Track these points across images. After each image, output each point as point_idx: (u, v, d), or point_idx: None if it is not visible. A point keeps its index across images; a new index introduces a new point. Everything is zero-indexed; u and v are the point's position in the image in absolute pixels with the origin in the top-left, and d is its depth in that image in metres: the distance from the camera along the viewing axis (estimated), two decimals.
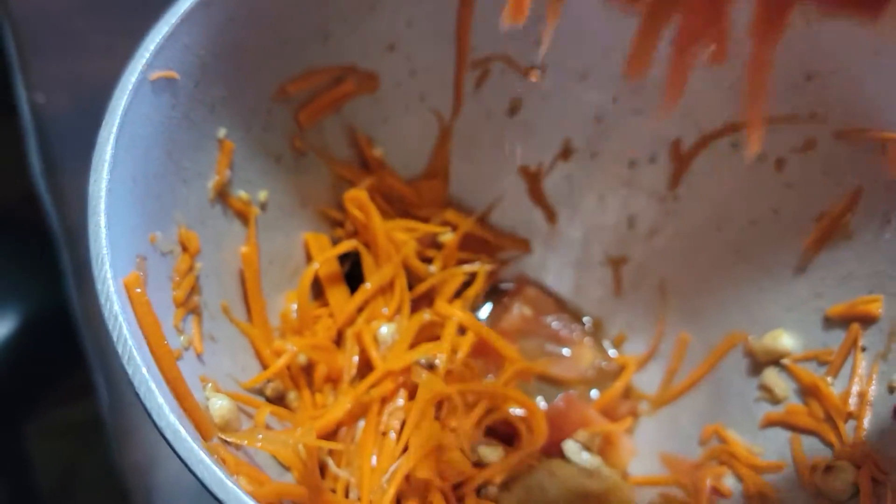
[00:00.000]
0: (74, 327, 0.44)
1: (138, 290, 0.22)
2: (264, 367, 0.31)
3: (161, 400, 0.19)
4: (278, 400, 0.31)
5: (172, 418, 0.19)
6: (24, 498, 0.48)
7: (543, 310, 0.41)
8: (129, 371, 0.19)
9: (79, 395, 0.46)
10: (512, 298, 0.41)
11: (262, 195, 0.33)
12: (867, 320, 0.30)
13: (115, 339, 0.20)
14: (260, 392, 0.30)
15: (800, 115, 0.33)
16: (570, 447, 0.35)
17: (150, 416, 0.19)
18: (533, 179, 0.40)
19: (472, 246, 0.40)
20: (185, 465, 0.19)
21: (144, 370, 0.19)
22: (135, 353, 0.19)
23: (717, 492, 0.32)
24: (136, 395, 0.19)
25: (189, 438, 0.19)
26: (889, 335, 0.29)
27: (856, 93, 0.31)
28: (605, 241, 0.41)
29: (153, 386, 0.19)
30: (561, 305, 0.42)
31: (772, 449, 0.32)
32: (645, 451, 0.37)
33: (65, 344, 0.45)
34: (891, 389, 0.28)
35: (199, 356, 0.27)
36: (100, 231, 0.21)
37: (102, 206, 0.21)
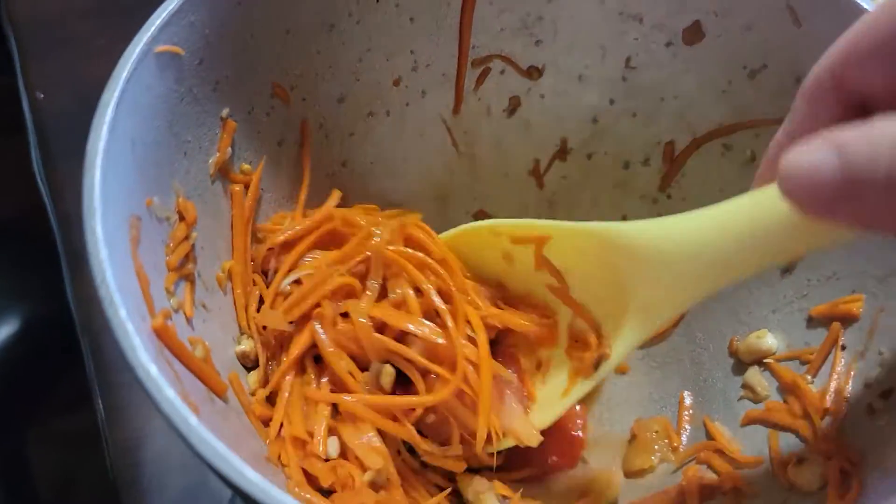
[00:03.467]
0: (73, 331, 0.45)
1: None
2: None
3: (137, 341, 0.20)
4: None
5: (146, 358, 0.20)
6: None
7: None
8: (108, 314, 0.20)
9: (79, 402, 0.47)
10: None
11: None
12: (848, 319, 0.31)
13: (97, 284, 0.21)
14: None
15: None
16: None
17: (123, 351, 0.20)
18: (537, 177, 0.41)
19: None
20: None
21: (123, 312, 0.20)
22: (114, 295, 0.20)
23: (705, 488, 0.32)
24: (117, 340, 0.20)
25: (163, 382, 0.20)
26: (868, 333, 0.30)
27: None
28: None
29: (130, 328, 0.20)
30: None
31: (750, 445, 0.32)
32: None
33: (64, 347, 0.46)
34: (867, 386, 0.29)
35: (189, 320, 0.28)
36: (94, 185, 0.22)
37: (98, 161, 0.23)
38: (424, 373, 0.31)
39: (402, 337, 0.31)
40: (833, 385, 0.30)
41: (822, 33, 0.31)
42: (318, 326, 0.30)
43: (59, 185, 0.50)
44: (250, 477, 0.18)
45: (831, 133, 0.19)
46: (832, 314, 0.31)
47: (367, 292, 0.31)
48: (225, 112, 0.31)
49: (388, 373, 0.31)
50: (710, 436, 0.34)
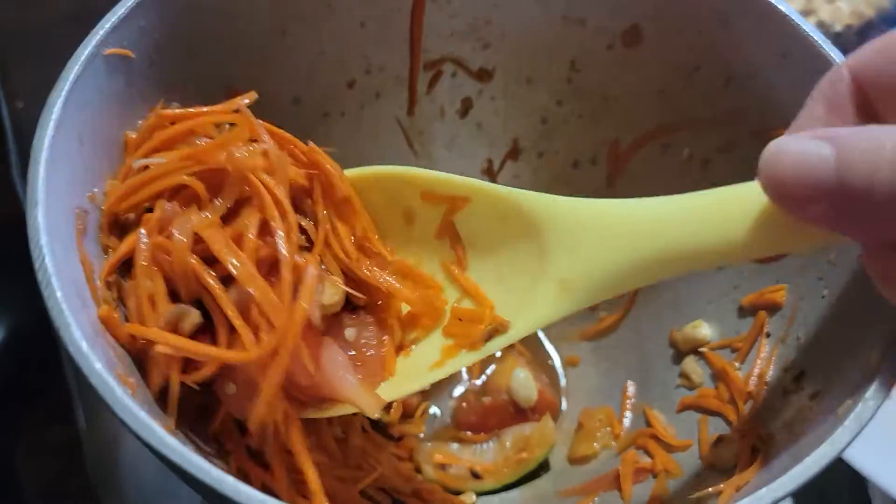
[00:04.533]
0: (54, 340, 0.46)
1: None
2: None
3: (71, 321, 0.21)
4: None
5: (84, 346, 0.21)
6: None
7: None
8: (45, 295, 0.22)
9: (61, 410, 0.47)
10: None
11: None
12: (773, 308, 0.32)
13: (36, 268, 0.22)
14: None
15: (721, 116, 0.35)
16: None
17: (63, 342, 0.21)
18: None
19: None
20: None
21: (59, 294, 0.22)
22: (52, 279, 0.22)
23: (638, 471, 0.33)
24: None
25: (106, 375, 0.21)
26: (789, 320, 0.31)
27: (768, 95, 0.33)
28: None
29: (65, 308, 0.21)
30: None
31: (684, 430, 0.34)
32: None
33: (45, 356, 0.47)
34: (785, 370, 0.30)
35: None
36: (37, 178, 0.24)
37: (43, 156, 0.24)
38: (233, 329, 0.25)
39: (229, 279, 0.26)
40: (756, 370, 0.31)
41: (748, 35, 0.33)
42: (142, 231, 0.26)
43: None
44: (170, 443, 0.20)
45: (828, 128, 0.19)
46: (759, 303, 0.33)
47: (207, 210, 0.27)
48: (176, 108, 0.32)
49: (191, 316, 0.25)
50: (648, 423, 0.35)
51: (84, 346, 0.21)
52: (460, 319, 0.29)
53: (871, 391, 0.22)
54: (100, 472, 0.41)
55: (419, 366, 0.29)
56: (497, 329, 0.28)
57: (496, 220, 0.29)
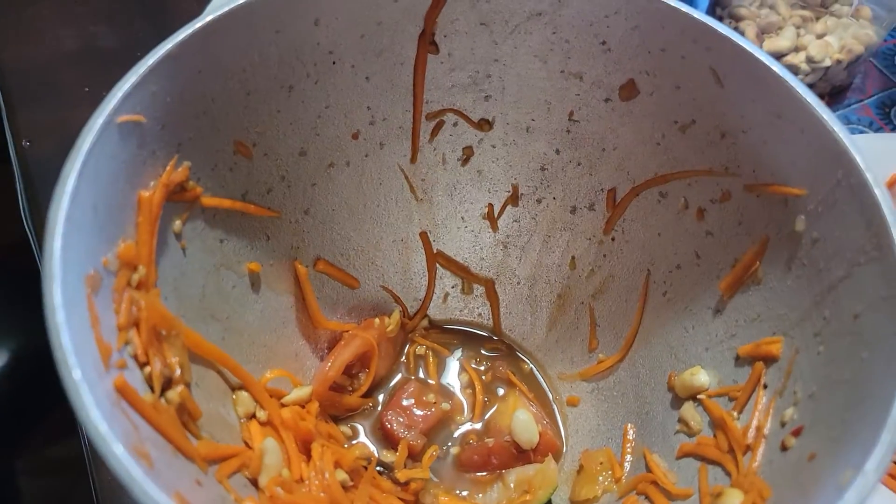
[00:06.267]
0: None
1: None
2: None
3: (89, 399, 0.22)
4: None
5: (97, 416, 0.22)
6: None
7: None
8: (62, 373, 0.22)
9: (66, 430, 0.48)
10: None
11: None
12: (769, 359, 0.33)
13: (53, 346, 0.23)
14: None
15: (716, 168, 0.36)
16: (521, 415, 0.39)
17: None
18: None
19: None
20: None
21: (77, 373, 0.22)
22: (69, 357, 0.22)
23: None
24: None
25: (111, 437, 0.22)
26: (786, 374, 0.32)
27: (762, 150, 0.34)
28: (552, 280, 0.44)
29: (84, 388, 0.22)
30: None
31: (683, 477, 0.34)
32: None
33: (52, 378, 0.48)
34: (782, 424, 0.31)
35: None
36: (53, 252, 0.24)
37: (59, 229, 0.25)
38: None
39: None
40: (754, 422, 0.32)
41: (743, 94, 0.34)
42: None
43: (44, 227, 0.52)
44: None
45: None
46: (756, 354, 0.34)
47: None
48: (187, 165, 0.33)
49: None
50: (648, 468, 0.36)
51: (104, 427, 0.21)
52: None
53: (872, 463, 0.22)
54: (105, 489, 0.41)
55: None
56: None
57: None
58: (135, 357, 0.29)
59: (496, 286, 0.46)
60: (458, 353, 0.45)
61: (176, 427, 0.28)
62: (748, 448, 0.31)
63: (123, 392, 0.25)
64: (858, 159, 0.29)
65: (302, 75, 0.36)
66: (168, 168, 0.32)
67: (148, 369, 0.28)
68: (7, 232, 0.62)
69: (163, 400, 0.29)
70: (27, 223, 0.55)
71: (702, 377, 0.36)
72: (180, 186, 0.33)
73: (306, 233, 0.40)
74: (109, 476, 0.42)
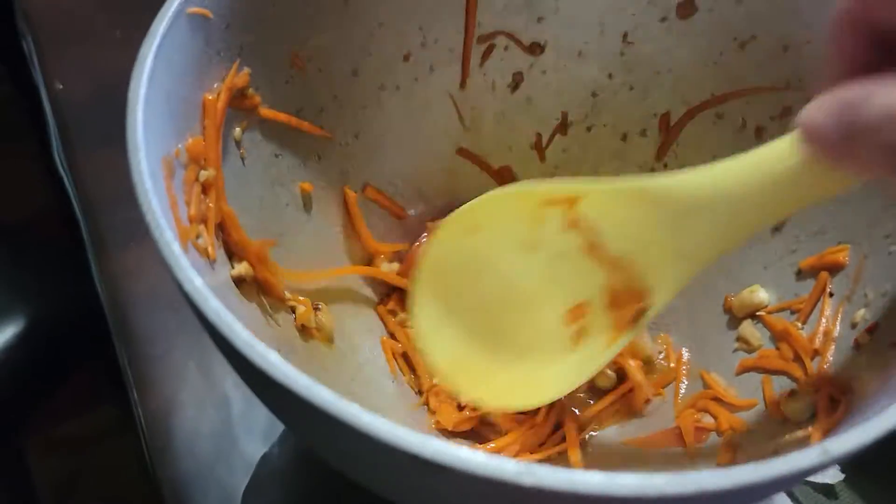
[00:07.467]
0: (101, 313, 0.46)
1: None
2: None
3: (183, 261, 0.22)
4: None
5: (193, 273, 0.22)
6: None
7: None
8: (155, 236, 0.22)
9: (80, 409, 0.47)
10: None
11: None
12: (835, 268, 0.33)
13: (144, 212, 0.23)
14: None
15: (777, 84, 0.35)
16: None
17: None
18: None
19: None
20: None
21: (168, 234, 0.22)
22: (159, 221, 0.22)
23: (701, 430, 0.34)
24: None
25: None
26: (854, 279, 0.32)
27: None
28: None
29: (176, 248, 0.22)
30: None
31: (745, 392, 0.34)
32: None
33: (94, 331, 0.47)
34: (853, 326, 0.30)
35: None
36: (136, 125, 0.24)
37: (140, 106, 0.24)
38: None
39: None
40: (822, 328, 0.32)
41: (807, 3, 0.33)
42: None
43: (81, 173, 0.51)
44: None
45: (837, 93, 0.22)
46: (820, 265, 0.33)
47: None
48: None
49: None
50: (706, 386, 0.36)
51: (199, 281, 0.21)
52: (611, 303, 0.31)
53: None
54: (152, 434, 0.41)
55: (595, 352, 0.32)
56: (641, 310, 0.30)
57: (607, 212, 0.30)
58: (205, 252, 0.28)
59: None
60: None
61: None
62: (816, 353, 0.31)
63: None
64: None
65: None
66: (231, 71, 0.31)
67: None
68: (41, 186, 0.61)
69: None
70: (63, 169, 0.54)
71: (761, 294, 0.36)
72: (241, 92, 0.33)
73: (356, 157, 0.40)
74: (155, 417, 0.42)
